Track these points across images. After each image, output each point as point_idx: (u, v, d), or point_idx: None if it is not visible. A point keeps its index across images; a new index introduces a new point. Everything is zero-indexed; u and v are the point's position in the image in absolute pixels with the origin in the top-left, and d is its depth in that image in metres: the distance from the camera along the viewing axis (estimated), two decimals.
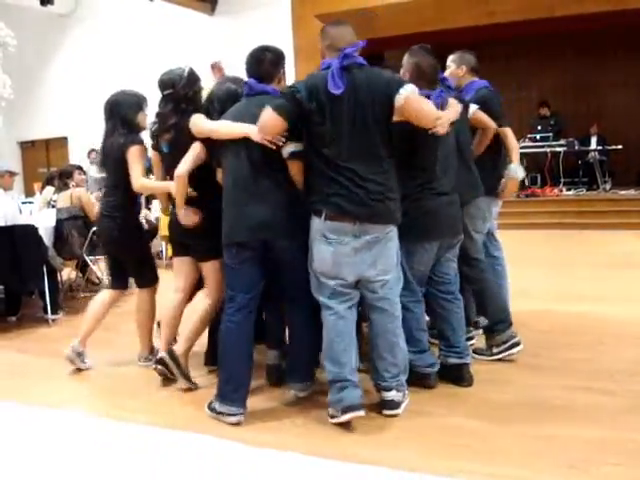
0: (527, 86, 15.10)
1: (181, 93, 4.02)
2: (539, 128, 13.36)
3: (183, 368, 4.00)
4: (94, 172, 11.19)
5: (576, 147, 12.90)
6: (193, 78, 4.15)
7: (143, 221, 8.65)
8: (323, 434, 3.32)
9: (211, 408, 3.56)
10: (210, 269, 4.05)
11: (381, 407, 3.51)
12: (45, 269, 5.96)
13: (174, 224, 4.08)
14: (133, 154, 4.32)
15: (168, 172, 4.09)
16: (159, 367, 4.07)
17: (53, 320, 6.01)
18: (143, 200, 9.02)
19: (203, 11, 13.84)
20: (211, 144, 3.75)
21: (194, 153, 3.83)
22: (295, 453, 3.08)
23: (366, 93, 3.29)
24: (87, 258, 6.79)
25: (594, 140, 13.38)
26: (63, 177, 7.11)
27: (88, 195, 7.06)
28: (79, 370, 4.55)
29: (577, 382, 3.83)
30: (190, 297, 4.39)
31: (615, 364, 4.11)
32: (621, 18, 11.88)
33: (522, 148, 12.96)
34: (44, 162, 16.21)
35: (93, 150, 12.62)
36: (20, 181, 12.55)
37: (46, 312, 6.01)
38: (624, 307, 5.49)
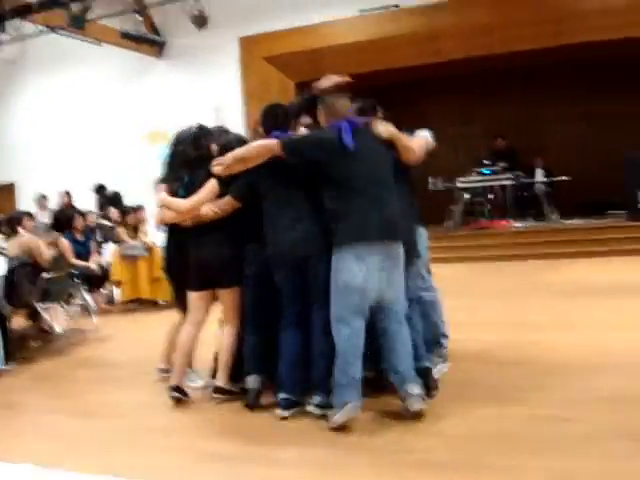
0: (472, 121, 15.44)
1: (187, 149, 4.57)
2: (486, 162, 13.57)
3: (235, 390, 4.46)
4: (43, 217, 11.03)
5: (522, 180, 13.18)
6: (197, 136, 4.61)
7: (94, 266, 8.60)
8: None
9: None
10: (232, 297, 4.44)
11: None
12: None
13: (197, 260, 4.44)
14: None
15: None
16: (176, 395, 4.46)
17: (5, 370, 5.85)
18: (93, 245, 8.95)
19: (151, 54, 13.88)
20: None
21: (210, 188, 4.35)
22: None
23: None
24: (38, 306, 6.66)
25: (540, 172, 13.70)
26: (12, 223, 6.98)
27: (37, 241, 6.95)
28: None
29: (537, 411, 3.87)
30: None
31: (570, 392, 4.16)
32: (561, 52, 12.28)
33: (470, 182, 13.26)
34: None
35: (43, 196, 12.47)
36: None
37: None
38: (576, 334, 5.58)
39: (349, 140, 4.00)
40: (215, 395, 4.46)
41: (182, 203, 4.44)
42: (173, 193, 4.54)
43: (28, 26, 11.40)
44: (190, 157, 4.53)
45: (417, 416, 3.84)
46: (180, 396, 4.47)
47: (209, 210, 4.35)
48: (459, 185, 13.13)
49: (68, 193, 12.37)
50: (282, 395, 4.12)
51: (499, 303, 7.28)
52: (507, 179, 13.03)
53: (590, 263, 9.96)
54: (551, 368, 4.72)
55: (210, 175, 4.34)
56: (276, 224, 4.17)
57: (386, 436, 3.69)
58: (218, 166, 4.23)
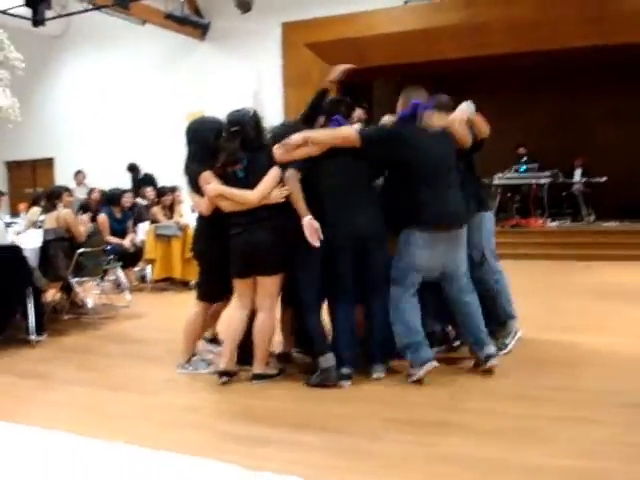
0: (514, 117, 15.28)
1: (248, 131, 4.45)
2: (524, 160, 13.49)
3: (273, 374, 4.63)
4: (80, 193, 11.17)
5: (560, 179, 13.04)
6: (257, 118, 4.55)
7: (128, 244, 8.71)
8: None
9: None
10: (276, 283, 4.48)
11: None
12: (30, 290, 5.92)
13: (246, 245, 4.39)
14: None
15: None
16: (225, 379, 4.54)
17: (37, 341, 5.94)
18: (130, 224, 9.06)
19: (194, 37, 13.94)
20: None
21: (274, 175, 4.39)
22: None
23: None
24: (72, 280, 6.76)
25: (578, 172, 13.54)
26: (51, 198, 7.08)
27: (74, 216, 7.05)
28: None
29: (562, 412, 3.84)
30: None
31: (599, 394, 4.11)
32: (606, 53, 12.09)
33: (507, 179, 13.15)
34: (30, 182, 16.14)
35: (80, 172, 12.62)
36: (6, 201, 12.48)
37: (29, 333, 5.95)
38: (607, 337, 5.52)
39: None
40: (255, 382, 4.51)
41: (250, 194, 4.37)
42: (225, 176, 4.47)
43: (73, 3, 11.51)
44: (251, 138, 4.44)
45: (490, 371, 4.51)
46: (229, 379, 4.53)
47: (279, 194, 4.38)
48: (496, 182, 13.03)
49: (82, 172, 12.53)
50: (346, 370, 4.41)
51: (532, 302, 7.19)
52: (544, 177, 12.90)
53: (625, 266, 9.81)
54: (583, 369, 4.68)
55: (271, 159, 4.39)
56: (341, 207, 4.42)
57: (414, 430, 3.68)
58: (281, 148, 4.33)
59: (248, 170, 4.43)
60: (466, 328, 4.65)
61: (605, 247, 11.00)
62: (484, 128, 4.95)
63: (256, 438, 3.61)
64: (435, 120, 4.55)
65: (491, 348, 4.58)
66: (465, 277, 4.65)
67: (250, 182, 4.39)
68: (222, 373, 4.53)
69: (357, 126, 4.66)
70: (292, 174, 4.38)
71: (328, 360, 4.36)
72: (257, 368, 4.53)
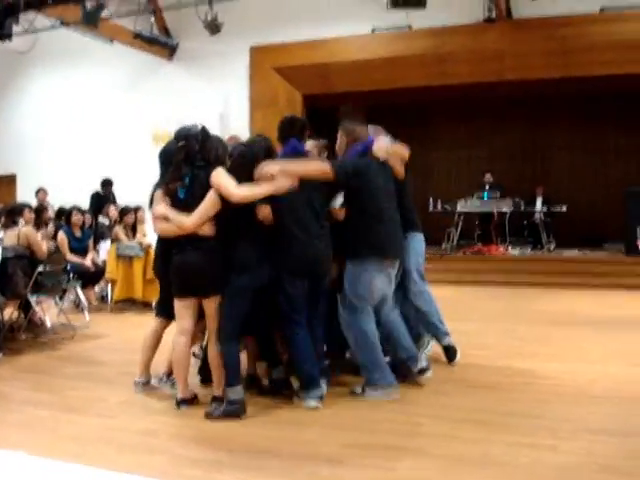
0: (477, 145, 15.51)
1: (192, 145, 4.39)
2: (487, 187, 13.69)
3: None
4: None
5: (522, 208, 13.24)
6: (204, 135, 4.48)
7: (88, 263, 8.60)
8: None
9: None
10: (215, 305, 4.38)
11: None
12: None
13: (181, 265, 4.37)
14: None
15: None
16: (186, 406, 4.49)
17: None
18: (91, 242, 8.96)
19: (162, 56, 13.93)
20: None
21: (212, 201, 4.30)
22: None
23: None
24: (30, 299, 6.65)
25: (539, 201, 13.76)
26: (12, 215, 6.98)
27: (36, 233, 6.96)
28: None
29: (521, 438, 3.87)
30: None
31: (558, 421, 4.16)
32: (567, 84, 12.37)
33: (470, 206, 13.31)
34: None
35: (41, 189, 12.45)
36: None
37: None
38: (566, 364, 5.59)
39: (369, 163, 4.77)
40: (215, 405, 4.37)
41: (185, 221, 4.29)
42: (171, 193, 4.43)
43: (41, 19, 11.44)
44: (195, 152, 4.39)
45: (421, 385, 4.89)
46: (189, 405, 4.49)
47: (210, 230, 4.35)
48: (458, 209, 13.18)
49: (43, 190, 12.33)
50: (318, 392, 4.50)
51: (491, 328, 7.29)
52: (506, 206, 13.09)
53: (584, 295, 9.97)
54: (539, 396, 4.72)
55: (208, 181, 4.30)
56: (299, 236, 4.50)
57: (373, 452, 3.69)
58: (262, 176, 4.31)
59: (190, 189, 4.37)
60: (399, 344, 4.89)
61: (565, 275, 11.17)
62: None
63: (213, 462, 3.58)
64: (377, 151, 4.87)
65: (424, 362, 4.95)
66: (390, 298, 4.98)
67: (190, 204, 4.30)
68: (179, 402, 4.49)
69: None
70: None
71: (237, 392, 4.31)
72: (218, 391, 4.43)
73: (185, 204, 4.32)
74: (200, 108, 12.70)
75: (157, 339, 4.91)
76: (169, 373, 4.93)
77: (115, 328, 7.60)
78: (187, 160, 4.37)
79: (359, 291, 4.68)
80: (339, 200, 4.76)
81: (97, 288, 9.23)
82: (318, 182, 4.53)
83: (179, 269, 4.37)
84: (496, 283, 11.08)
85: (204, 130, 4.51)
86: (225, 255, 4.32)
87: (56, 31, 11.98)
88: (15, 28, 10.88)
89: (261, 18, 12.97)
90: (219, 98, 13.16)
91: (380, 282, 4.73)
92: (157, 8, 12.62)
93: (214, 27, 11.34)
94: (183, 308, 4.45)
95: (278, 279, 4.49)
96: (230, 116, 12.98)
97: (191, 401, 4.52)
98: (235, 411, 4.27)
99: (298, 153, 4.69)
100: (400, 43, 12.54)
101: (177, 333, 4.49)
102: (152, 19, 12.23)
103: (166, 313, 4.80)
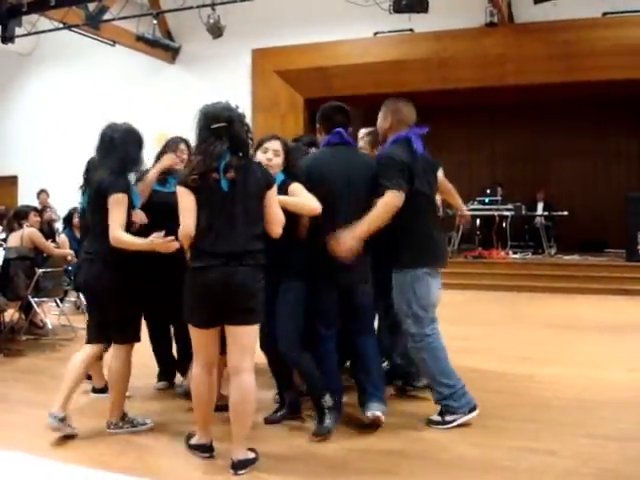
0: (478, 149, 15.52)
1: (243, 136, 3.68)
2: (488, 192, 13.69)
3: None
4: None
5: (523, 212, 13.25)
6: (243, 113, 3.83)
7: None
8: None
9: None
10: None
11: None
12: None
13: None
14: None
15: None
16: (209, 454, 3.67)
17: None
18: None
19: (164, 59, 13.96)
20: None
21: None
22: None
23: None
24: (32, 300, 6.66)
25: (540, 206, 13.77)
26: (18, 218, 7.01)
27: (39, 234, 6.96)
28: (66, 437, 3.94)
29: (522, 443, 3.87)
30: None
31: (558, 426, 4.16)
32: (569, 89, 12.37)
33: (471, 211, 13.30)
34: None
35: (43, 191, 12.45)
36: None
37: None
38: (566, 369, 5.60)
39: (420, 148, 4.30)
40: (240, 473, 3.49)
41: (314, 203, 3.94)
42: (207, 185, 3.67)
43: (43, 21, 11.46)
44: (242, 139, 3.67)
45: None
46: (212, 454, 3.65)
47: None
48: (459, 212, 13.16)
49: (45, 191, 12.33)
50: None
51: (492, 333, 7.29)
52: (507, 210, 13.09)
53: (585, 300, 9.97)
54: (540, 401, 4.73)
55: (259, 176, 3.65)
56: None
57: (374, 457, 3.69)
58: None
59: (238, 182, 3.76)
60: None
61: (566, 280, 11.17)
62: None
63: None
64: None
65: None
66: None
67: (235, 199, 3.57)
68: (205, 448, 3.70)
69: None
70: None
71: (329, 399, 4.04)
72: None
73: (230, 199, 3.52)
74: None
75: (88, 368, 4.24)
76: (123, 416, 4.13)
77: None
78: (233, 147, 3.58)
79: (421, 302, 4.18)
80: None
81: None
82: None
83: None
84: (497, 287, 11.07)
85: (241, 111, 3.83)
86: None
87: (58, 33, 11.99)
88: (18, 30, 10.89)
89: (263, 21, 12.98)
90: (221, 101, 13.17)
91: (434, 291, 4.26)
92: (160, 11, 12.63)
93: (216, 30, 11.35)
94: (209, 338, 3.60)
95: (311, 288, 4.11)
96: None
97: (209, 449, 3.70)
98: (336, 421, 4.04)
99: (345, 143, 4.30)
100: (402, 47, 12.57)
101: (201, 369, 3.61)
102: (154, 22, 12.25)
103: (105, 337, 4.11)
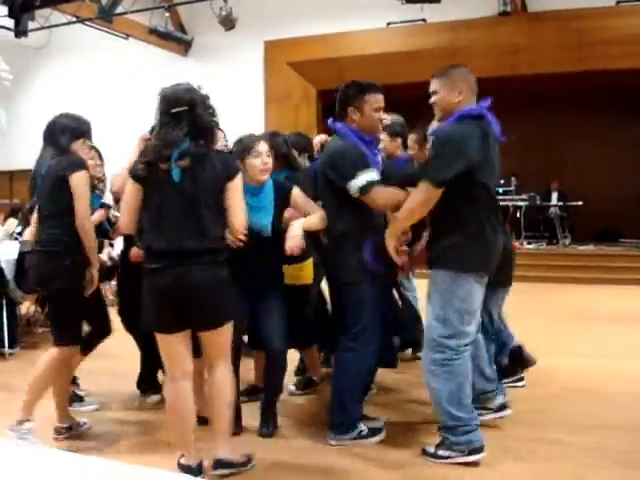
0: None
1: (205, 119, 3.35)
2: (502, 182, 13.62)
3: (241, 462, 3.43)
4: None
5: (537, 202, 13.19)
6: (209, 97, 3.54)
7: (104, 258, 8.62)
8: None
9: None
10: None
11: None
12: (4, 301, 5.87)
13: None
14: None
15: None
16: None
17: (10, 354, 5.89)
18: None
19: (177, 52, 13.98)
20: None
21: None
22: None
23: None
24: None
25: (555, 196, 13.71)
26: (33, 211, 7.02)
27: None
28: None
29: (537, 433, 3.88)
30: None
31: (573, 416, 4.16)
32: (583, 77, 12.28)
33: None
34: (7, 193, 16.00)
35: None
36: None
37: (2, 345, 5.90)
38: (581, 360, 5.58)
39: (498, 131, 3.79)
40: (218, 472, 3.33)
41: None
42: (156, 175, 3.48)
43: (56, 15, 11.50)
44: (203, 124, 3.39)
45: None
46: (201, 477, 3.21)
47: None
48: None
49: None
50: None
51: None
52: (521, 200, 13.04)
53: (600, 290, 9.93)
54: (555, 391, 4.74)
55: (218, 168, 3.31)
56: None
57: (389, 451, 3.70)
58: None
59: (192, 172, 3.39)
60: (478, 371, 3.91)
61: (580, 270, 11.12)
62: None
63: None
64: None
65: (503, 397, 4.07)
66: None
67: (188, 192, 3.27)
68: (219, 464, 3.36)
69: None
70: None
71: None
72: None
73: (182, 191, 3.18)
74: (215, 103, 12.75)
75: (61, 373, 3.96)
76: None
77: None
78: (193, 133, 3.24)
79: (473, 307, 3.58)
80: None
81: (113, 282, 9.27)
82: None
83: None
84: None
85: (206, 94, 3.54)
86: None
87: (71, 27, 12.03)
88: (31, 24, 10.93)
89: (275, 13, 12.97)
90: (234, 93, 13.19)
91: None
92: (172, 3, 12.65)
93: (229, 22, 11.36)
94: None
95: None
96: (245, 111, 13.02)
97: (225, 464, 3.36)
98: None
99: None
100: (415, 37, 12.51)
101: (172, 382, 3.29)
102: (167, 14, 12.27)
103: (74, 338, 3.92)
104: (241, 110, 12.85)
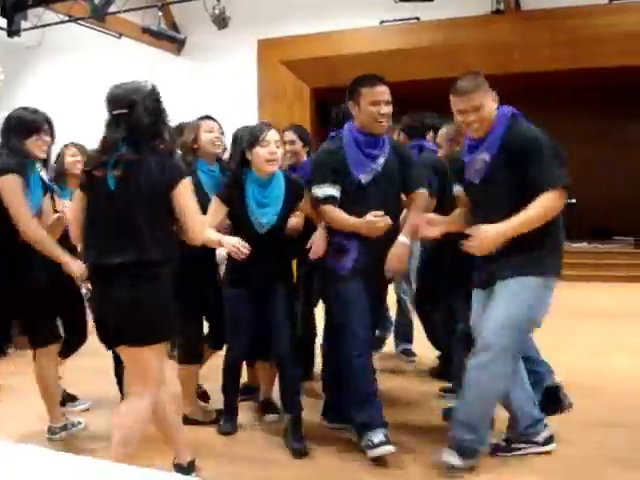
0: None
1: (144, 121, 3.11)
2: None
3: None
4: None
5: None
6: (159, 101, 3.32)
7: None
8: None
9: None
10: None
11: None
12: None
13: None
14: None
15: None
16: None
17: (6, 354, 5.85)
18: None
19: (170, 51, 13.94)
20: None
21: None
22: None
23: None
24: None
25: None
26: None
27: None
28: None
29: None
30: None
31: (569, 414, 4.12)
32: (576, 76, 12.30)
33: None
34: None
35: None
36: None
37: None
38: (577, 357, 5.59)
39: None
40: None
41: None
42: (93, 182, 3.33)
43: (49, 14, 11.45)
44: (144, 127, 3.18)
45: None
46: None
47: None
48: None
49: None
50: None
51: None
52: None
53: (594, 287, 9.97)
54: None
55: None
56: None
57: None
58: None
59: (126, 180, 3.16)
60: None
61: (574, 267, 11.12)
62: None
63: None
64: None
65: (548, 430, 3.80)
66: None
67: (121, 203, 3.09)
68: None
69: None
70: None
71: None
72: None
73: (117, 201, 3.02)
74: (208, 102, 12.74)
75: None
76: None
77: None
78: (131, 137, 3.07)
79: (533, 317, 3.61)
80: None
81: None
82: None
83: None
84: None
85: (155, 92, 3.31)
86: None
87: (64, 26, 11.99)
88: (23, 23, 10.89)
89: (269, 12, 12.93)
90: (227, 92, 13.16)
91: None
92: (165, 2, 12.61)
93: (222, 21, 11.31)
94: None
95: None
96: (238, 110, 13.00)
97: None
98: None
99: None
100: (408, 36, 12.49)
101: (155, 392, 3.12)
102: (160, 13, 12.22)
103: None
104: (235, 109, 12.83)
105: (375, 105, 3.72)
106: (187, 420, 4.09)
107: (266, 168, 3.67)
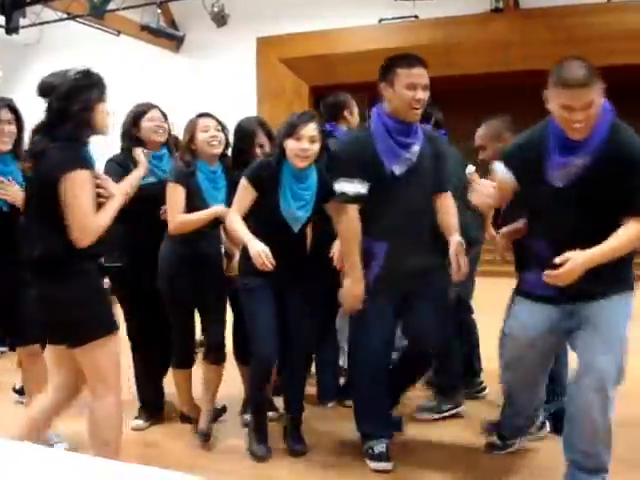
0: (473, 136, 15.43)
1: (54, 106, 2.90)
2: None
3: None
4: None
5: None
6: (79, 85, 3.01)
7: None
8: None
9: None
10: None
11: None
12: None
13: None
14: None
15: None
16: None
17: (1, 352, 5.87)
18: None
19: (169, 48, 13.92)
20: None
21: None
22: None
23: None
24: None
25: None
26: None
27: None
28: None
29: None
30: None
31: None
32: None
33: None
34: None
35: None
36: None
37: None
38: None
39: None
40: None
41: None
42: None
43: (47, 11, 11.44)
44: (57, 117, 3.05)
45: None
46: None
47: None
48: None
49: None
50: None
51: (490, 320, 7.27)
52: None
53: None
54: None
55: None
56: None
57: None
58: None
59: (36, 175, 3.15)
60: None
61: None
62: None
63: None
64: None
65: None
66: None
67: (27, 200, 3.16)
68: None
69: None
70: None
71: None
72: None
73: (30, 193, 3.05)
74: (207, 100, 12.72)
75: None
76: None
77: None
78: (48, 126, 2.94)
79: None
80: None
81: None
82: None
83: None
84: (495, 274, 11.02)
85: (81, 79, 3.10)
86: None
87: (62, 24, 11.98)
88: (22, 21, 10.88)
89: (268, 9, 12.91)
90: (226, 90, 13.14)
91: None
92: (164, 0, 12.60)
93: (220, 19, 11.31)
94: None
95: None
96: (237, 108, 12.99)
97: None
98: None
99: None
100: (407, 34, 12.46)
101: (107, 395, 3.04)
102: (159, 11, 12.20)
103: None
104: (233, 107, 12.82)
105: (411, 89, 3.36)
106: (185, 419, 4.09)
107: (296, 162, 3.45)
